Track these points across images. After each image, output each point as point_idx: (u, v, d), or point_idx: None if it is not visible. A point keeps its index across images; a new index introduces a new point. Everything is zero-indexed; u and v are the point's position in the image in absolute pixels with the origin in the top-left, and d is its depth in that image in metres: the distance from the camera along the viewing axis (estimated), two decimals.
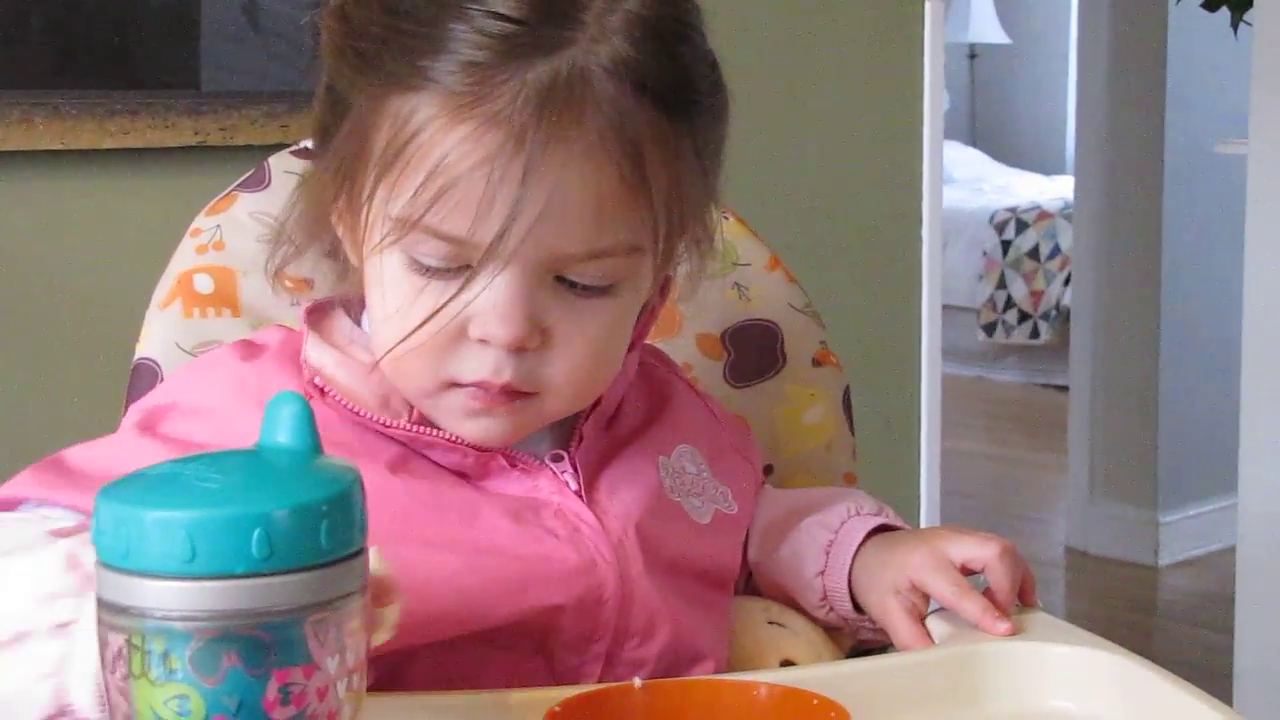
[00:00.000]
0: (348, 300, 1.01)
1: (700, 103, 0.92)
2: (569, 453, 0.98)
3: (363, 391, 0.95)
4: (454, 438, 0.94)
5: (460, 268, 0.88)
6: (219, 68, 1.81)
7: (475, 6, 0.86)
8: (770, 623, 1.07)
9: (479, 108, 0.85)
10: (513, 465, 0.96)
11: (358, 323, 1.00)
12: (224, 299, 1.13)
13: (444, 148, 0.86)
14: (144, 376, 1.11)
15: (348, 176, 0.92)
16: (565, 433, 0.99)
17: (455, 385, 0.91)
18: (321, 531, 0.62)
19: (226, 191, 1.18)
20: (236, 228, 1.15)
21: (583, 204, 0.87)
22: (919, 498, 2.55)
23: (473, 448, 0.94)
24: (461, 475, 0.96)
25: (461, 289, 0.87)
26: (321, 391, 0.94)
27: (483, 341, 0.89)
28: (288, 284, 1.12)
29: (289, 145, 1.24)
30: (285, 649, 0.62)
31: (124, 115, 1.71)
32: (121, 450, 0.92)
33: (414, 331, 0.89)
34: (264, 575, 0.61)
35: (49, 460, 0.92)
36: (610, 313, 0.93)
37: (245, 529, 0.61)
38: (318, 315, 1.00)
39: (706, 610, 1.03)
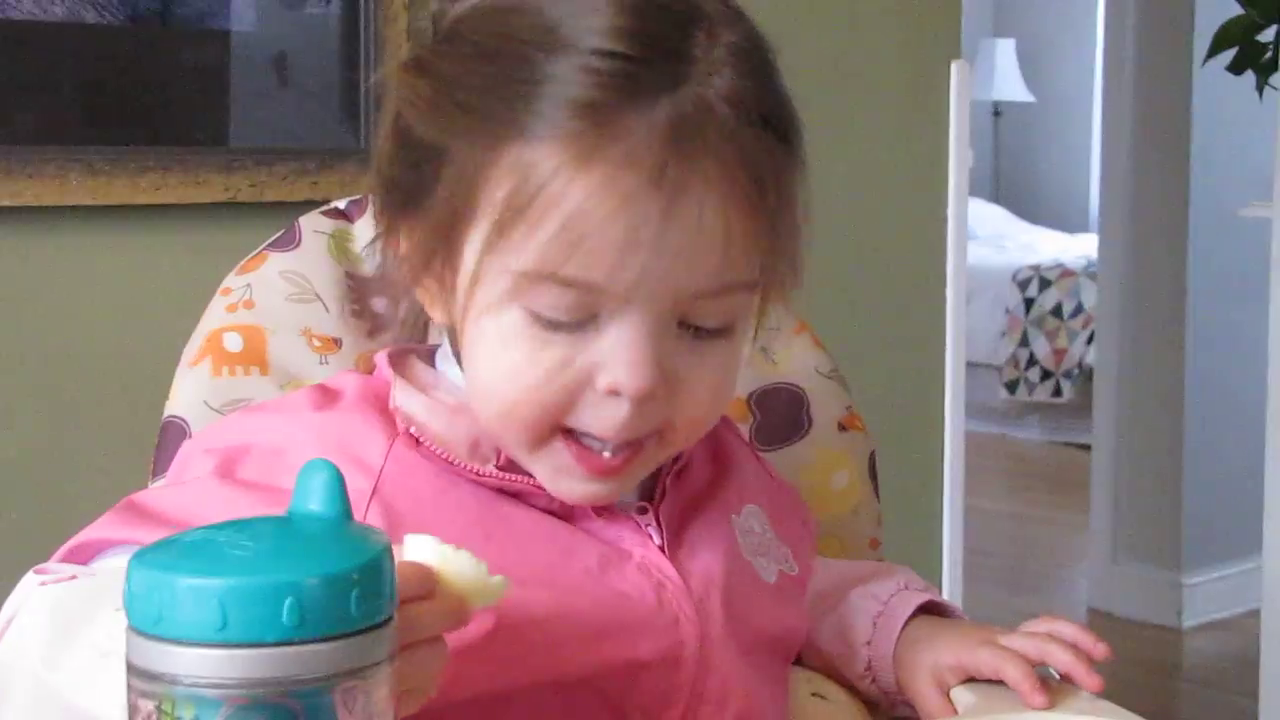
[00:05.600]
0: (418, 349, 1.01)
1: (801, 132, 0.92)
2: (653, 506, 0.98)
3: (452, 437, 0.93)
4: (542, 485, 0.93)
5: (585, 318, 0.86)
6: (248, 124, 1.83)
7: (584, 46, 0.84)
8: (813, 694, 1.06)
9: (609, 150, 0.83)
10: (598, 513, 0.95)
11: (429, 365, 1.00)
12: (253, 357, 1.13)
13: (576, 196, 0.83)
14: (173, 434, 1.12)
15: (448, 234, 0.89)
16: (648, 485, 0.98)
17: (565, 433, 0.89)
18: (352, 600, 0.63)
19: (257, 251, 1.19)
20: (266, 287, 1.16)
21: (714, 238, 0.85)
22: (941, 556, 2.54)
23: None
24: (551, 513, 0.95)
25: (599, 333, 0.86)
26: (416, 442, 0.93)
27: (611, 392, 0.87)
28: (315, 343, 1.13)
29: (318, 201, 1.25)
30: (314, 717, 0.62)
31: (156, 171, 1.73)
32: (203, 496, 0.90)
33: (546, 384, 0.87)
34: (295, 644, 0.61)
35: (125, 504, 0.91)
36: (727, 354, 0.91)
37: (277, 597, 0.61)
38: (399, 361, 0.98)
39: (772, 683, 1.02)
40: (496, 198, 0.85)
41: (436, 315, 0.95)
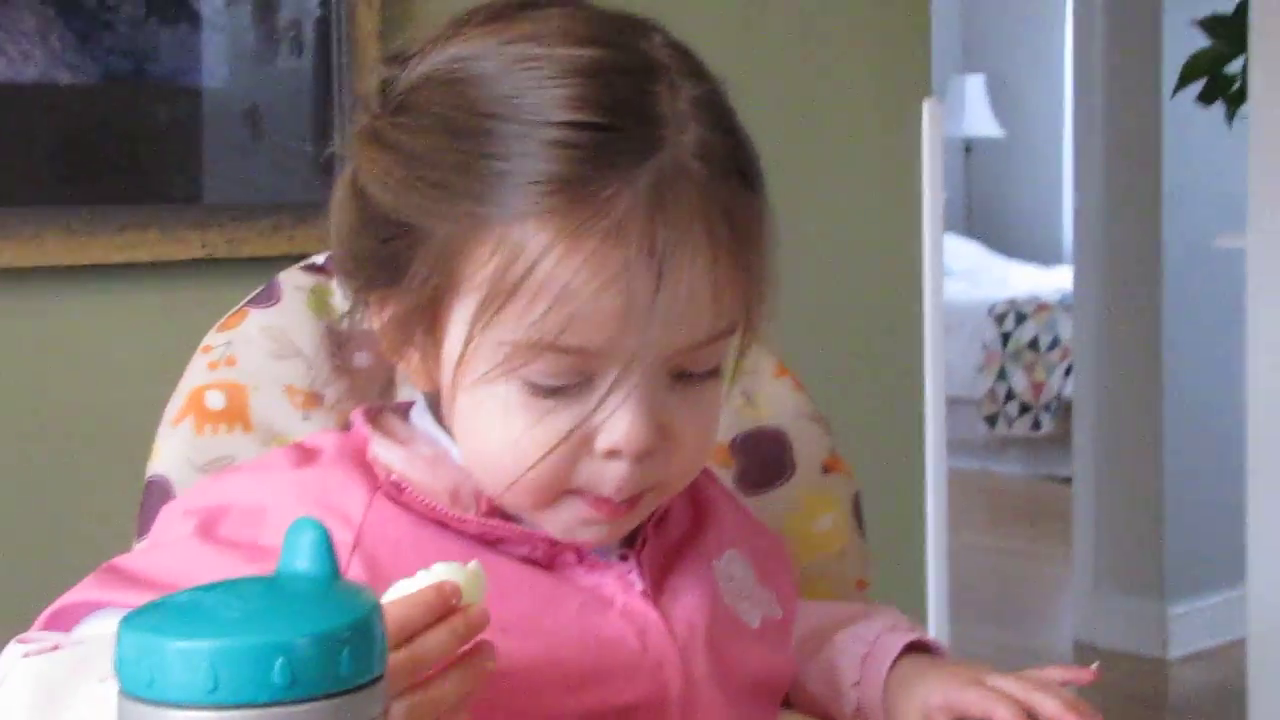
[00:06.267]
0: (393, 406, 1.02)
1: (763, 172, 0.92)
2: (634, 552, 0.98)
3: (434, 487, 0.94)
4: (524, 530, 0.93)
5: (580, 382, 0.87)
6: (222, 179, 1.83)
7: (552, 118, 0.84)
8: None
9: (597, 224, 0.83)
10: (580, 560, 0.96)
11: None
12: (235, 415, 1.13)
13: (568, 272, 0.84)
14: (156, 494, 1.11)
15: (430, 310, 0.90)
16: (630, 532, 0.98)
17: (574, 494, 0.90)
18: (343, 659, 0.62)
19: (238, 308, 1.19)
20: (247, 344, 1.16)
21: (704, 296, 0.86)
22: (925, 592, 2.54)
23: (543, 540, 0.94)
24: (533, 563, 0.95)
25: (598, 405, 0.87)
26: (399, 488, 0.93)
27: (611, 453, 0.88)
28: (298, 399, 1.13)
29: (296, 256, 1.25)
30: None
31: (132, 229, 1.73)
32: (185, 556, 0.90)
33: (548, 454, 0.88)
34: (286, 704, 0.61)
35: (106, 568, 0.91)
36: (714, 395, 0.93)
37: (268, 658, 0.61)
38: (375, 418, 0.99)
39: None
40: (482, 275, 0.86)
41: (419, 384, 0.96)
